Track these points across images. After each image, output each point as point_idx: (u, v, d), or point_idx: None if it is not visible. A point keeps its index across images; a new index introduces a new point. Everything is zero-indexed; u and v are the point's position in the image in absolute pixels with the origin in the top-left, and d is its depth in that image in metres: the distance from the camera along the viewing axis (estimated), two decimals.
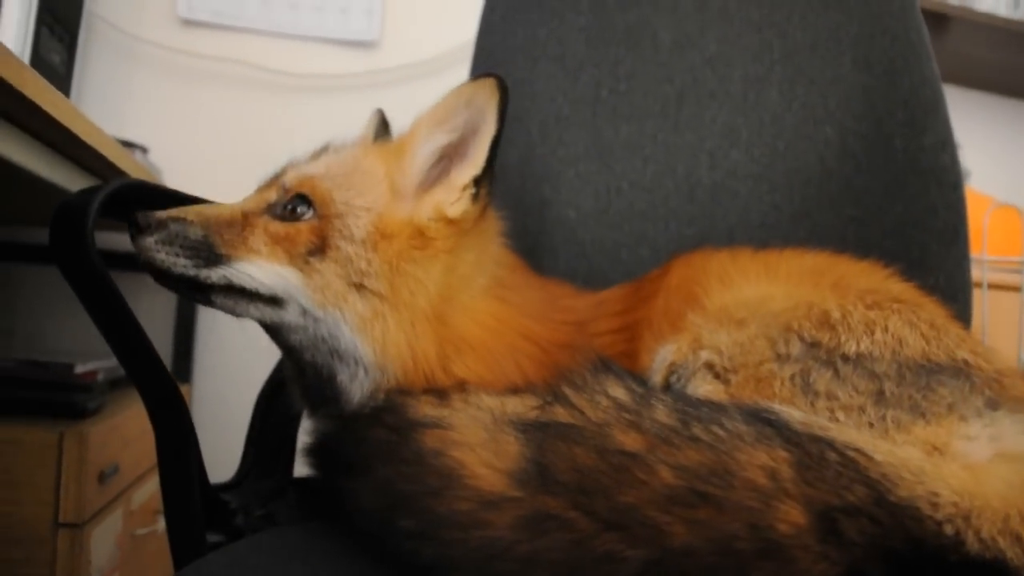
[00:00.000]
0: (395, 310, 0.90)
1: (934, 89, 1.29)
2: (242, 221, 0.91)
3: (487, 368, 0.92)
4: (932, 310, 0.92)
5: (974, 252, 1.90)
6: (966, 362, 0.82)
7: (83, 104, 2.38)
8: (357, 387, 0.91)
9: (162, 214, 0.88)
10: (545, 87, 1.44)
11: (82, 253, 0.86)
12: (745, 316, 0.89)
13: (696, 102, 1.39)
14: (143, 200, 1.02)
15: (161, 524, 1.90)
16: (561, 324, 1.03)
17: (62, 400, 1.56)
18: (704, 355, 0.88)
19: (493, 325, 0.96)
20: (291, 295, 0.89)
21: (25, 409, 1.54)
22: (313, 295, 0.89)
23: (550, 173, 1.41)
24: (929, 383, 0.78)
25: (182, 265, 0.87)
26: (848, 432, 0.70)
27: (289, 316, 0.90)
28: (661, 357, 0.93)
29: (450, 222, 0.94)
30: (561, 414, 0.72)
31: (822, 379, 0.81)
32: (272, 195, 0.93)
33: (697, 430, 0.67)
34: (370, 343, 0.89)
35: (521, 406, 0.78)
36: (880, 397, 0.78)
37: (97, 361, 1.71)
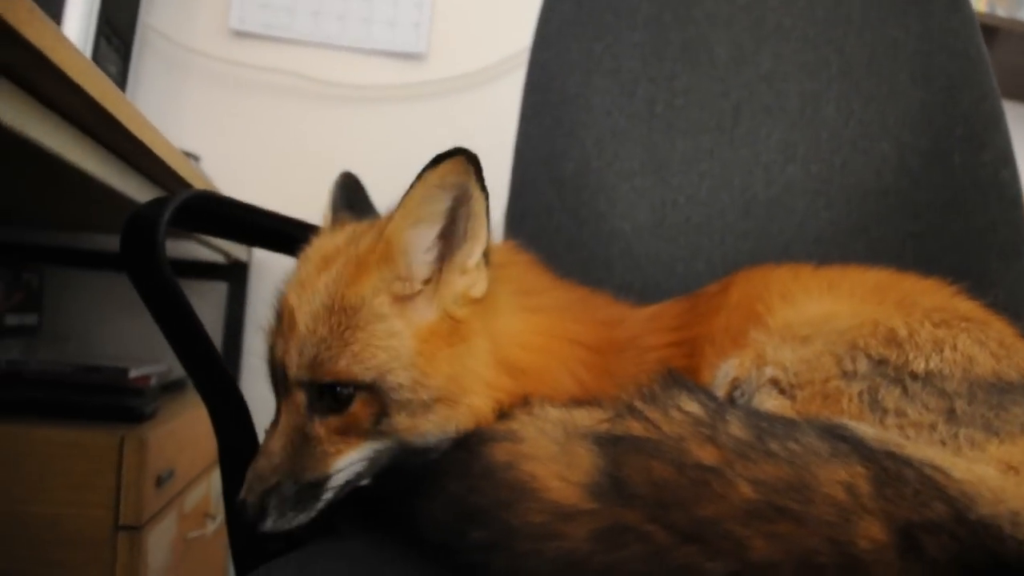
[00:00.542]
0: (467, 394, 0.88)
1: (994, 104, 1.28)
2: (304, 440, 0.88)
3: (546, 386, 0.92)
4: (1000, 328, 0.91)
5: None
6: None
7: None
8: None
9: (253, 497, 0.86)
10: (600, 101, 1.45)
11: (153, 263, 0.87)
12: (810, 333, 0.90)
13: (752, 117, 1.39)
14: (210, 210, 1.04)
15: (210, 528, 1.92)
16: (601, 326, 1.03)
17: (119, 404, 1.58)
18: (769, 371, 0.88)
19: (539, 343, 0.95)
20: (375, 458, 0.89)
21: (83, 413, 1.55)
22: (392, 445, 0.89)
23: (605, 186, 1.42)
24: (1001, 401, 0.78)
25: (303, 519, 0.87)
26: (924, 449, 0.70)
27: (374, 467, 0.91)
28: (723, 372, 0.94)
29: (475, 300, 0.92)
30: (635, 427, 0.72)
31: (891, 396, 0.81)
32: (300, 397, 0.88)
33: (773, 445, 0.67)
34: (454, 431, 0.88)
35: (589, 419, 0.78)
36: (951, 415, 0.78)
37: (149, 366, 1.74)
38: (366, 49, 2.53)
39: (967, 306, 0.96)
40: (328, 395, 0.87)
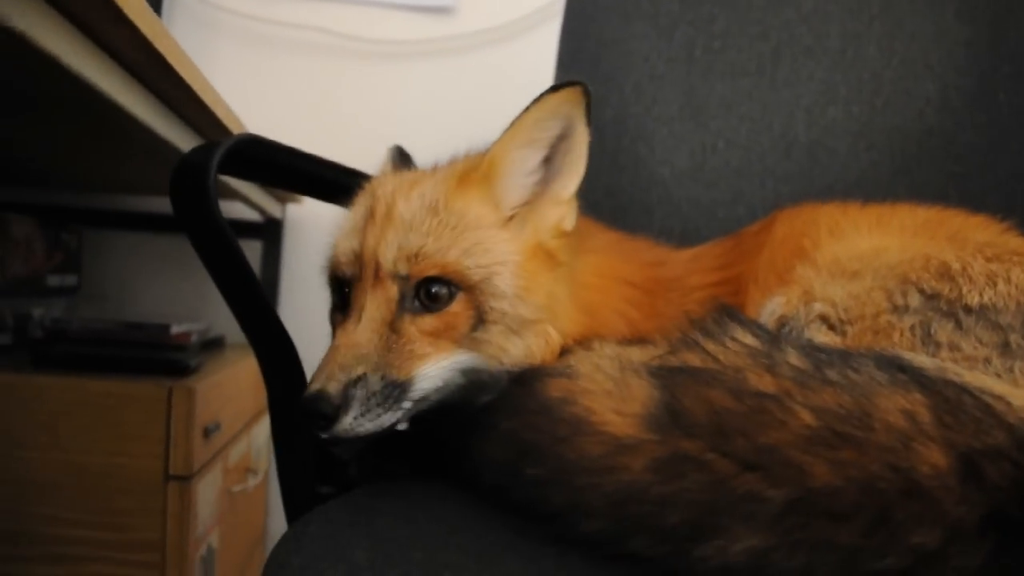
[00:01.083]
0: (552, 322, 0.90)
1: None
2: (392, 335, 0.85)
3: (601, 324, 0.93)
4: None
5: None
6: None
7: None
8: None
9: (335, 386, 0.80)
10: (639, 46, 1.44)
11: (205, 208, 0.86)
12: (859, 268, 0.89)
13: (792, 59, 1.37)
14: (259, 157, 1.03)
15: (251, 483, 1.96)
16: (648, 266, 1.04)
17: (164, 358, 1.61)
18: (817, 307, 0.88)
19: (596, 282, 0.97)
20: (464, 372, 0.88)
21: (129, 368, 1.58)
22: (484, 361, 0.88)
23: (644, 132, 1.41)
24: None
25: (388, 420, 0.83)
26: (982, 378, 0.70)
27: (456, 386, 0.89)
28: (769, 310, 0.93)
29: (565, 233, 0.94)
30: (691, 359, 0.73)
31: (944, 330, 0.81)
32: (391, 290, 0.86)
33: (831, 374, 0.67)
34: (535, 360, 0.88)
35: (642, 355, 0.79)
36: (1006, 348, 0.77)
37: (189, 324, 1.76)
38: (395, 3, 2.51)
39: (1018, 241, 0.95)
40: (424, 292, 0.86)
